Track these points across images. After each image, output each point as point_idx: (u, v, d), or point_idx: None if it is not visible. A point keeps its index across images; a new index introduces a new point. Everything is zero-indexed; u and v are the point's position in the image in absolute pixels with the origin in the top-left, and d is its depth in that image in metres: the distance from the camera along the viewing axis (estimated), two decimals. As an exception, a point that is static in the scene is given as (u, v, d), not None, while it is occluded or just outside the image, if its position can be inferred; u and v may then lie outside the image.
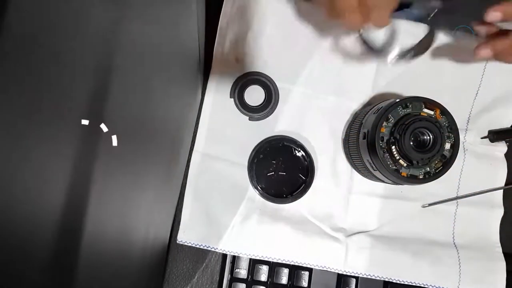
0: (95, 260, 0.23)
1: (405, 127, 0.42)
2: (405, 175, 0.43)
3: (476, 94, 0.53)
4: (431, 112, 0.43)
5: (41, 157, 0.15)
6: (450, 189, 0.53)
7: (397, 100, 0.44)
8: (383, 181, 0.47)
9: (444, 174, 0.52)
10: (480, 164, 0.53)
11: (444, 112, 0.43)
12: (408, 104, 0.43)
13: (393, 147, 0.43)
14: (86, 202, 0.19)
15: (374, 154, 0.43)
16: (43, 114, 0.14)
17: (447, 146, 0.43)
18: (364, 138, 0.45)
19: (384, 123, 0.43)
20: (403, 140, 0.42)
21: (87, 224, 0.20)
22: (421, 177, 0.43)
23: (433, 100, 0.44)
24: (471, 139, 0.53)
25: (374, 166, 0.45)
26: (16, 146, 0.13)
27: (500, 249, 0.52)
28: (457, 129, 0.43)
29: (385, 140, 0.43)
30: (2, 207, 0.13)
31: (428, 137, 0.43)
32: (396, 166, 0.43)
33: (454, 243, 0.52)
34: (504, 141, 0.53)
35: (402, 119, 0.43)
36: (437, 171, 0.43)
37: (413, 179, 0.43)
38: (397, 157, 0.43)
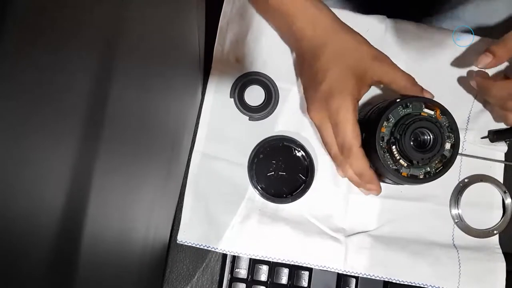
0: (94, 260, 0.23)
1: (405, 127, 0.42)
2: (405, 175, 0.43)
3: (476, 93, 0.53)
4: (431, 112, 0.43)
5: (41, 157, 0.15)
6: (450, 189, 0.53)
7: (398, 99, 0.44)
8: (383, 181, 0.47)
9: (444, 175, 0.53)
10: (479, 163, 0.53)
11: (445, 112, 0.43)
12: (408, 104, 0.43)
13: (394, 147, 0.42)
14: (86, 202, 0.19)
15: (374, 154, 0.43)
16: (43, 114, 0.14)
17: (447, 146, 0.43)
18: (364, 138, 0.45)
19: (385, 123, 0.43)
20: (404, 140, 0.42)
21: (87, 224, 0.20)
22: (421, 177, 0.43)
23: (434, 100, 0.44)
24: (471, 138, 0.53)
25: (374, 166, 0.45)
26: (16, 146, 0.13)
27: (500, 250, 0.52)
28: (457, 129, 0.43)
29: (385, 140, 0.43)
30: (2, 206, 0.13)
31: (429, 137, 0.43)
32: (396, 166, 0.43)
33: (454, 244, 0.52)
34: (504, 141, 0.53)
35: (402, 119, 0.43)
36: (437, 171, 0.43)
37: (413, 179, 0.43)
38: (398, 157, 0.43)
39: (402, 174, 0.43)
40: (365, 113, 0.48)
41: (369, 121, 0.45)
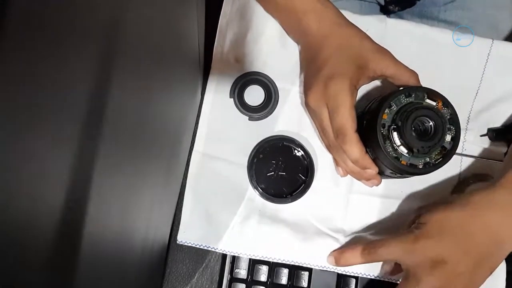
0: (94, 260, 0.23)
1: (407, 114, 0.41)
2: (404, 164, 0.42)
3: (476, 93, 0.53)
4: (433, 103, 0.43)
5: (41, 157, 0.15)
6: (450, 189, 0.53)
7: (400, 88, 0.43)
8: (383, 174, 0.46)
9: (443, 175, 0.52)
10: (479, 163, 0.53)
11: (447, 104, 0.43)
12: (411, 93, 0.43)
13: (395, 133, 0.42)
14: (85, 202, 0.19)
15: (375, 142, 0.43)
16: (43, 113, 0.14)
17: (448, 138, 0.43)
18: (364, 126, 0.44)
19: (387, 110, 0.42)
20: (405, 127, 0.41)
21: (87, 224, 0.20)
22: (420, 166, 0.42)
23: (436, 91, 0.43)
24: (471, 138, 0.53)
25: (374, 156, 0.44)
26: (16, 145, 0.13)
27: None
28: (458, 122, 0.43)
29: (386, 127, 0.42)
30: (2, 206, 0.13)
31: (430, 126, 0.42)
32: (396, 154, 0.42)
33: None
34: (504, 140, 0.53)
35: (404, 107, 0.42)
36: (436, 162, 0.43)
37: (412, 169, 0.42)
38: (398, 144, 0.42)
39: (402, 162, 0.42)
40: (364, 106, 0.47)
41: (369, 111, 0.45)
